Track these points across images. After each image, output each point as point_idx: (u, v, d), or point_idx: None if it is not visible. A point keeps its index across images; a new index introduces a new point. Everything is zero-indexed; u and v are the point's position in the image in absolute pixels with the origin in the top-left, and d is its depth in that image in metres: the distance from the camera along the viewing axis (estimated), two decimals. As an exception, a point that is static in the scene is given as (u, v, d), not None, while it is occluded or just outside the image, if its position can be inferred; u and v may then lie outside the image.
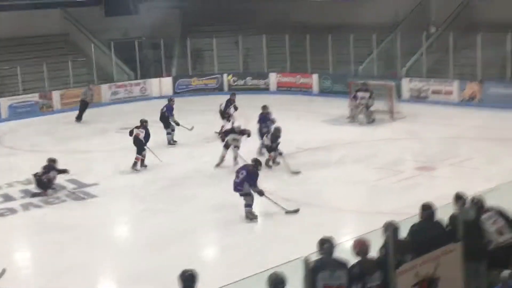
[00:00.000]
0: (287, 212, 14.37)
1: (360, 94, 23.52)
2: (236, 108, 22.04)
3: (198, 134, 22.89)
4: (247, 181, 14.18)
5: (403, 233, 8.51)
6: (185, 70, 32.89)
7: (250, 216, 14.19)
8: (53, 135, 24.30)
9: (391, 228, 7.65)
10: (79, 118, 26.64)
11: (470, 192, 9.51)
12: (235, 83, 31.90)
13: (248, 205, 14.23)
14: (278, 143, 18.02)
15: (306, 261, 7.13)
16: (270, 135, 18.30)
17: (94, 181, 17.61)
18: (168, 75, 32.33)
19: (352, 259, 7.87)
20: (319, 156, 19.48)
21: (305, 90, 30.01)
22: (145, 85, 31.55)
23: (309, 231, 12.83)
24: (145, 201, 16.04)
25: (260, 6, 33.69)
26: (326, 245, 7.76)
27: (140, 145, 18.79)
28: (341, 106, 24.96)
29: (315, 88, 30.03)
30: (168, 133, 21.72)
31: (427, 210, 8.91)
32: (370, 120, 23.28)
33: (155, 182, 17.38)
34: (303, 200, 15.21)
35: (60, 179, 17.49)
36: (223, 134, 19.17)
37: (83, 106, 26.91)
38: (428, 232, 8.65)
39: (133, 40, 32.26)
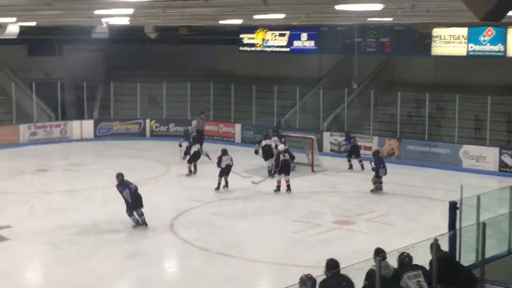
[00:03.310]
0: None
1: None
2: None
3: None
4: None
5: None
6: (107, 113, 32.56)
7: None
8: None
9: (310, 282, 7.62)
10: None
11: (386, 248, 9.58)
12: (158, 129, 31.71)
13: None
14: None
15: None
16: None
17: (7, 223, 17.06)
18: (90, 118, 31.90)
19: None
20: (238, 206, 19.45)
21: (227, 139, 30.03)
22: (65, 127, 31.02)
23: (224, 283, 12.75)
24: (59, 246, 15.58)
25: (186, 53, 33.78)
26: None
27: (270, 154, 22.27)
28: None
29: (237, 138, 30.11)
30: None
31: (333, 266, 8.85)
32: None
33: (69, 227, 16.93)
34: (218, 250, 15.10)
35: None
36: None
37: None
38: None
39: (55, 80, 31.79)
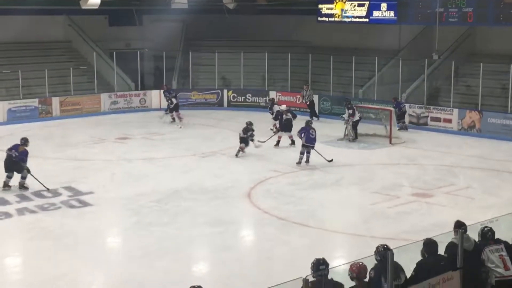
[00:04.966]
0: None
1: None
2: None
3: (193, 148, 22.92)
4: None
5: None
6: (186, 83, 32.94)
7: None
8: (51, 141, 24.22)
9: (390, 253, 7.61)
10: (315, 116, 28.25)
11: (466, 221, 9.44)
12: (235, 99, 31.91)
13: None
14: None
15: (306, 281, 7.06)
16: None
17: (90, 189, 17.56)
18: (168, 88, 32.29)
19: (346, 282, 7.83)
20: (316, 176, 19.44)
21: (304, 110, 29.91)
22: (145, 96, 31.60)
23: (301, 252, 12.82)
24: (139, 212, 15.94)
25: (264, 23, 33.77)
26: (322, 266, 7.72)
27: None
28: (339, 128, 25.01)
29: (315, 108, 29.94)
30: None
31: (431, 245, 8.71)
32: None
33: (150, 195, 17.29)
34: (295, 220, 15.17)
35: (56, 185, 17.55)
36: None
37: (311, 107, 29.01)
38: (433, 267, 8.49)
39: (135, 51, 32.32)
